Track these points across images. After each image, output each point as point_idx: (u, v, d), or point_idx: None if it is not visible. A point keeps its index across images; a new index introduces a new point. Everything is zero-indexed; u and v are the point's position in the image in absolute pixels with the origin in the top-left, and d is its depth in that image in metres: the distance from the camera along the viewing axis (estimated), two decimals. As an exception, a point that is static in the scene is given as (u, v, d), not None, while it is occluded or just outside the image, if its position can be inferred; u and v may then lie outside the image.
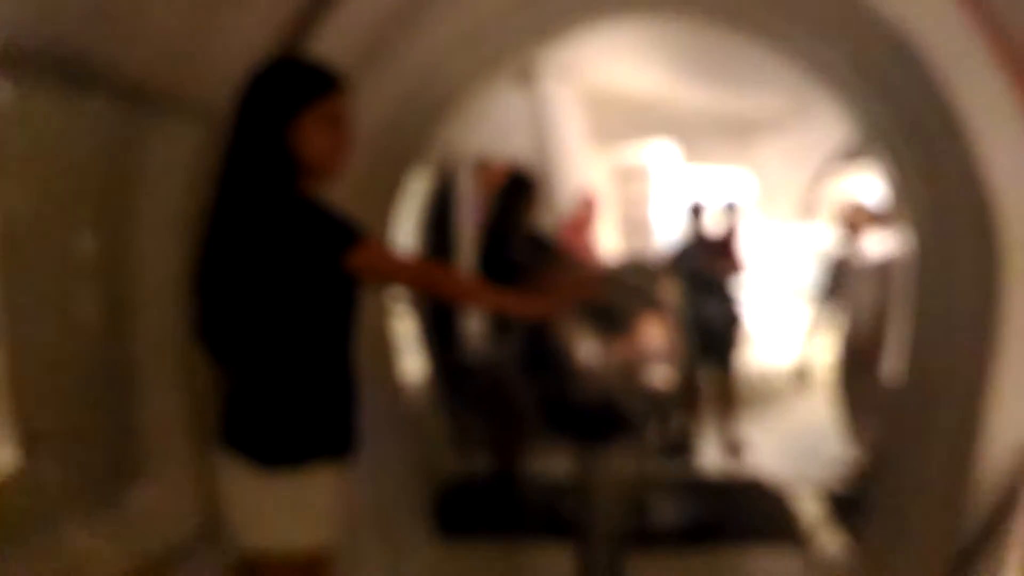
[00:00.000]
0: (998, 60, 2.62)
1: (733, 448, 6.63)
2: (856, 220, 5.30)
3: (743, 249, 6.92)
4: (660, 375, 2.19)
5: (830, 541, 4.44)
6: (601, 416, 2.22)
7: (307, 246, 2.01)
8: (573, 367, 2.16)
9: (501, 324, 4.49)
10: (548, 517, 4.89)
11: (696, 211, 6.74)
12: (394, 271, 2.18)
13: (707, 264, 6.51)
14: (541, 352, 2.20)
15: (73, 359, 2.62)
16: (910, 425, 3.49)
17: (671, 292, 4.74)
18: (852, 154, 11.81)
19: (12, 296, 2.35)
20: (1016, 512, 2.69)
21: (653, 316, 2.21)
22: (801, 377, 6.91)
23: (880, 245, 5.23)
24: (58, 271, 2.57)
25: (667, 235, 8.73)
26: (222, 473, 2.12)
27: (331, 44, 2.97)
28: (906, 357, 4.14)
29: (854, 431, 5.37)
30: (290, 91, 2.11)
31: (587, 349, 2.15)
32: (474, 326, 6.64)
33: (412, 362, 6.02)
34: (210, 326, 2.16)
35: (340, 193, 3.53)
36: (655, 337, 2.18)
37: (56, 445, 2.48)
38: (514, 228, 5.02)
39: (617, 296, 2.24)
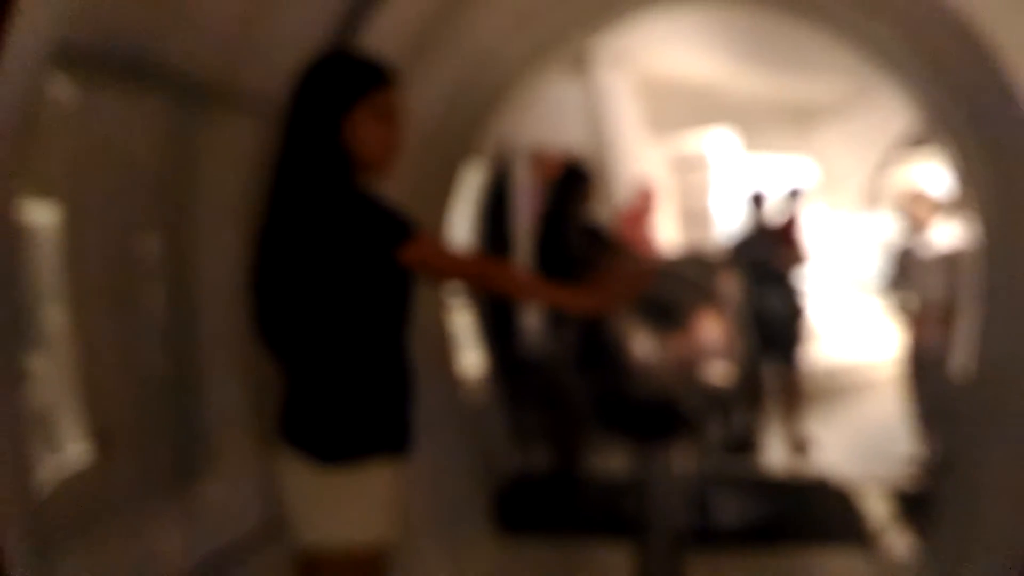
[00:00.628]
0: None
1: (799, 445, 6.55)
2: (920, 209, 5.21)
3: (806, 239, 6.83)
4: (719, 371, 2.18)
5: (898, 542, 4.38)
6: (658, 413, 2.21)
7: (360, 241, 2.02)
8: (629, 363, 2.16)
9: (557, 319, 4.50)
10: (608, 515, 4.89)
11: (757, 200, 6.67)
12: (447, 267, 2.19)
13: (769, 255, 6.44)
14: (597, 347, 2.20)
15: (138, 356, 2.69)
16: (980, 422, 3.43)
17: (731, 285, 4.71)
18: (916, 141, 11.59)
19: (78, 294, 2.42)
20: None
21: (712, 310, 2.20)
22: None
23: (947, 235, 5.14)
24: (122, 268, 2.63)
25: (727, 226, 8.64)
26: (282, 469, 2.16)
27: (383, 36, 3.00)
28: (975, 351, 4.06)
29: (923, 428, 5.28)
30: (343, 85, 2.13)
31: (643, 344, 2.15)
32: (532, 320, 6.66)
33: (471, 357, 6.06)
34: (266, 321, 2.19)
35: (395, 187, 3.57)
36: (713, 332, 2.17)
37: (123, 442, 2.54)
38: (570, 220, 5.02)
39: (675, 290, 2.23)
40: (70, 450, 2.37)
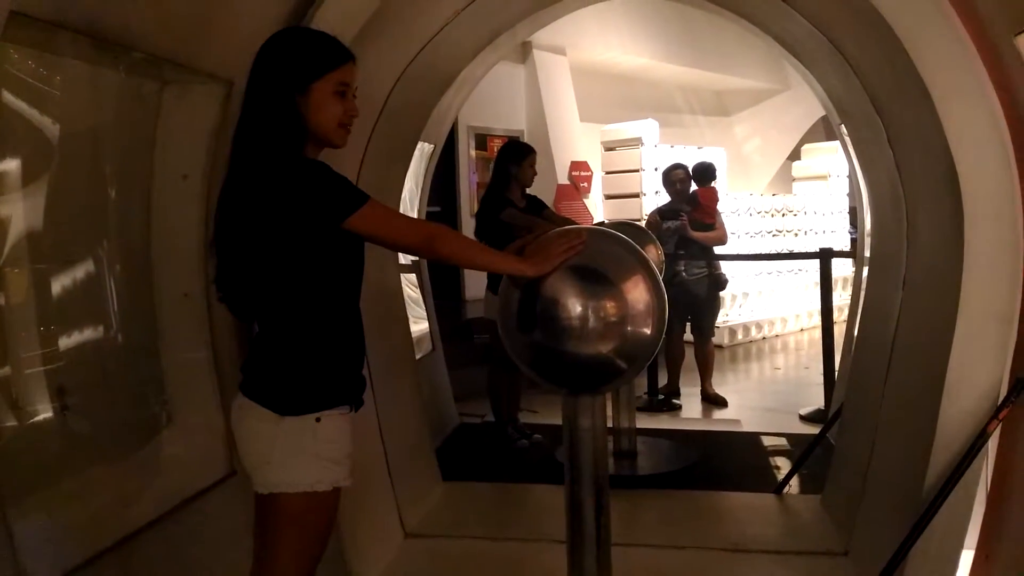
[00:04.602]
0: (966, 33, 2.57)
1: (713, 402, 6.65)
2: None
3: (723, 217, 6.87)
4: (643, 333, 2.16)
5: (800, 485, 4.45)
6: (588, 370, 2.19)
7: (311, 208, 1.96)
8: (563, 323, 2.13)
9: (497, 282, 4.48)
10: (542, 461, 4.91)
11: (679, 180, 6.68)
12: (395, 234, 2.13)
13: (689, 230, 6.48)
14: (532, 309, 2.17)
15: (101, 315, 2.60)
16: (877, 377, 3.48)
17: (655, 255, 4.73)
18: (826, 128, 11.72)
19: (39, 257, 2.32)
20: (979, 462, 2.68)
21: (637, 277, 2.18)
22: None
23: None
24: (84, 231, 2.53)
25: (652, 203, 8.68)
26: (240, 419, 2.10)
27: (337, 18, 2.92)
28: (874, 314, 4.13)
29: (825, 384, 5.38)
30: (304, 60, 2.05)
31: (576, 306, 2.13)
32: (477, 283, 6.60)
33: (420, 316, 6.02)
34: (226, 282, 2.12)
35: (352, 159, 3.50)
36: (639, 296, 2.15)
37: (87, 397, 2.45)
38: (510, 190, 5.01)
39: (602, 256, 2.21)
40: (35, 406, 2.28)
